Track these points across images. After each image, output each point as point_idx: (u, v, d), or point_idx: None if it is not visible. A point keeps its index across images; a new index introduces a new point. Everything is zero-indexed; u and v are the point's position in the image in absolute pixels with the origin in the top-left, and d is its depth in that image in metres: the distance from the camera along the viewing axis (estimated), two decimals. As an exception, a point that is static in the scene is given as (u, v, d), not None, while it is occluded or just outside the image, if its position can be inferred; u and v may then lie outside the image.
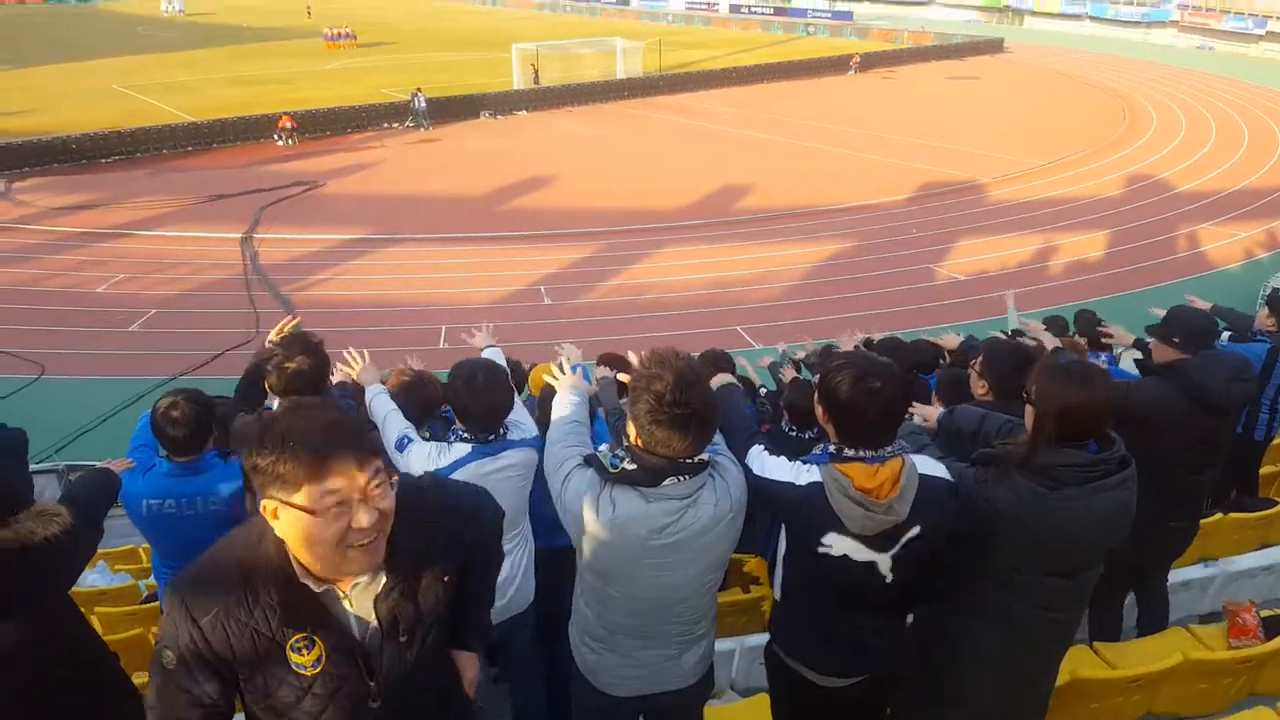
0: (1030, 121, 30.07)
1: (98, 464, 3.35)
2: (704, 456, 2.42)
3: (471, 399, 3.17)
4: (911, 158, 24.62)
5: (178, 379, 11.87)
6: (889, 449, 2.46)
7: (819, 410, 2.57)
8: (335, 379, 4.71)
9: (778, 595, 2.83)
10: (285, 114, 26.24)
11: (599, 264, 16.66)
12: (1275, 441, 6.00)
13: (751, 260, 16.75)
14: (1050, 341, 5.16)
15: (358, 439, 1.67)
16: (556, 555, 3.55)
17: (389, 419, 3.38)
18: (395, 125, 28.47)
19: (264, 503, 1.64)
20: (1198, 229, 18.38)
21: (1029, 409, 2.63)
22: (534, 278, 15.89)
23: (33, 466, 7.58)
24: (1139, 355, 5.54)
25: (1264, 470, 6.02)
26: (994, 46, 49.81)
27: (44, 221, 18.80)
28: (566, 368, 3.16)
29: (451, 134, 28.06)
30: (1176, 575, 4.43)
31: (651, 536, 2.40)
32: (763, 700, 3.18)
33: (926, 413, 3.56)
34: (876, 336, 7.66)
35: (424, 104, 28.30)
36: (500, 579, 2.76)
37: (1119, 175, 22.67)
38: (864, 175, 22.95)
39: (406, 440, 3.26)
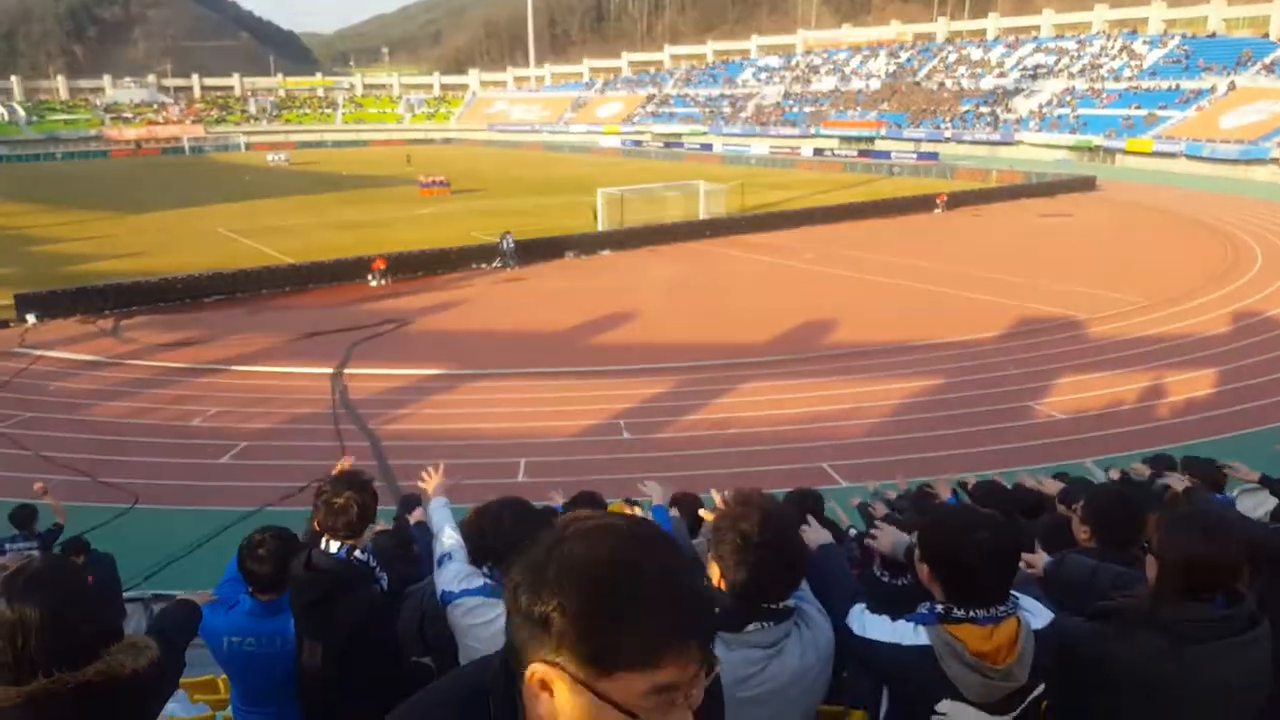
0: (1127, 258, 29.48)
1: (179, 594, 3.37)
2: (789, 603, 2.29)
3: (485, 539, 3.14)
4: (1003, 294, 24.20)
5: (263, 510, 11.95)
6: (1002, 608, 2.27)
7: (921, 569, 2.42)
8: (414, 517, 4.65)
9: None
10: (379, 256, 27.42)
11: (680, 399, 16.47)
12: None
13: (838, 396, 16.34)
14: (1179, 483, 4.79)
15: (709, 604, 1.19)
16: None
17: (444, 532, 3.39)
18: (483, 266, 29.44)
19: (535, 668, 1.12)
20: (1315, 366, 17.32)
21: (1150, 559, 2.45)
22: (613, 412, 15.75)
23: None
24: (1266, 493, 5.19)
25: None
26: (1086, 184, 49.48)
27: (147, 357, 19.67)
28: (636, 511, 3.06)
29: (536, 274, 28.86)
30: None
31: (733, 688, 2.19)
32: None
33: (1032, 560, 3.36)
34: (971, 478, 7.21)
35: (512, 245, 29.30)
36: None
37: (1225, 312, 21.77)
38: (954, 311, 22.57)
39: (448, 558, 3.21)
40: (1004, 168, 55.43)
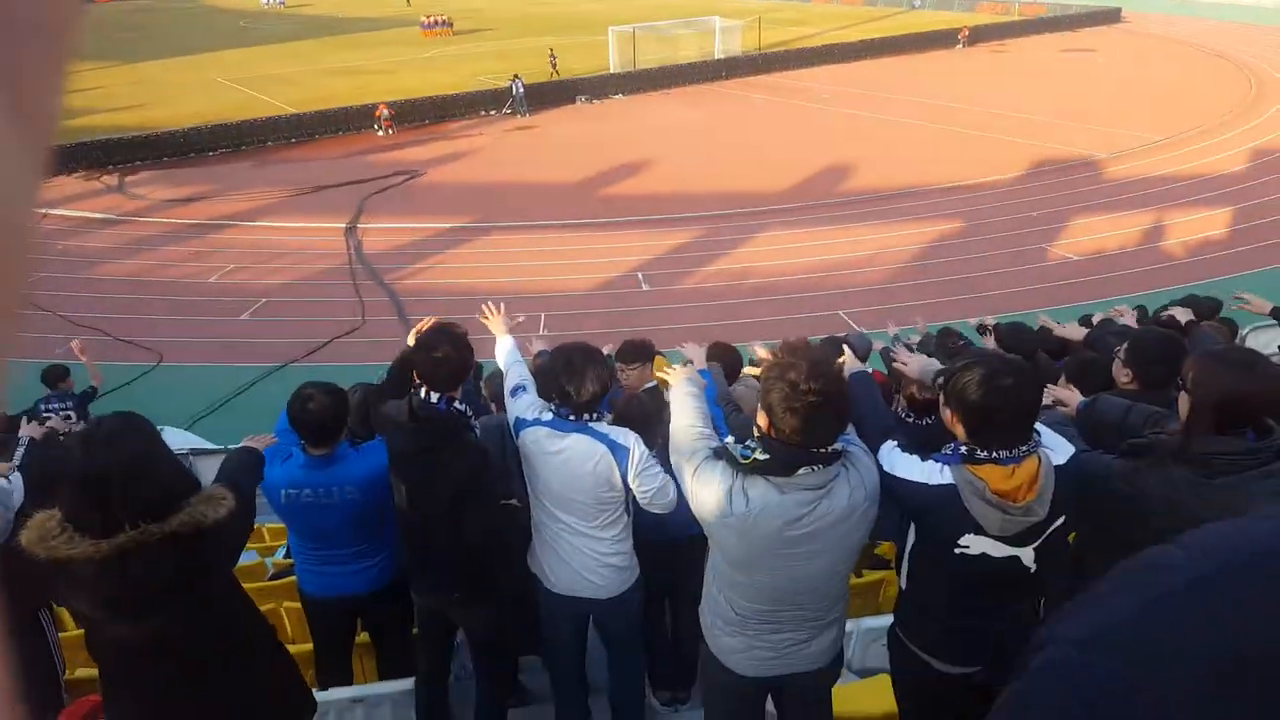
0: (1149, 95, 28.47)
1: (245, 440, 3.46)
2: (837, 446, 2.40)
3: (555, 378, 3.29)
4: (1023, 134, 23.57)
5: (289, 366, 12.13)
6: (1024, 448, 2.36)
7: (945, 413, 2.49)
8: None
9: (904, 585, 2.80)
10: (382, 103, 26.58)
11: (698, 249, 16.37)
12: None
13: (856, 243, 16.22)
14: (1184, 316, 4.83)
15: None
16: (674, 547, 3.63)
17: (513, 368, 3.64)
18: (493, 112, 28.57)
19: None
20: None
21: (1184, 396, 2.48)
22: (631, 264, 15.70)
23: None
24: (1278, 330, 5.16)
25: None
26: (1110, 17, 47.35)
27: (156, 214, 19.50)
28: (679, 368, 3.18)
29: (548, 120, 28.07)
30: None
31: (786, 528, 2.40)
32: (883, 681, 3.20)
33: (1065, 397, 3.41)
34: (990, 320, 7.24)
35: (523, 90, 28.32)
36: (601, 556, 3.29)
37: (1244, 150, 21.22)
38: (973, 153, 22.04)
39: (521, 390, 3.45)
40: (1028, 1, 52.70)
